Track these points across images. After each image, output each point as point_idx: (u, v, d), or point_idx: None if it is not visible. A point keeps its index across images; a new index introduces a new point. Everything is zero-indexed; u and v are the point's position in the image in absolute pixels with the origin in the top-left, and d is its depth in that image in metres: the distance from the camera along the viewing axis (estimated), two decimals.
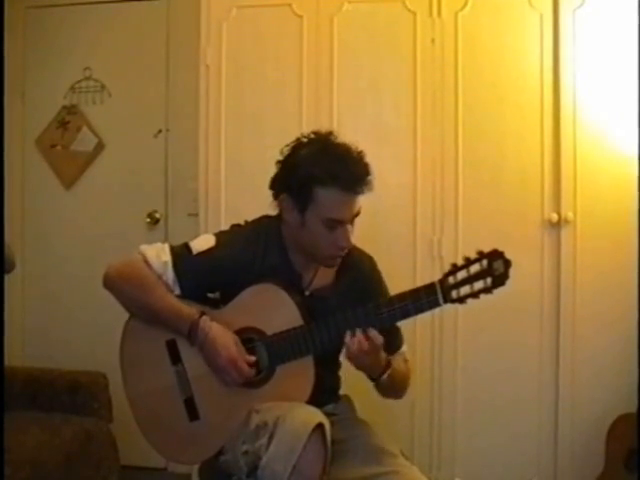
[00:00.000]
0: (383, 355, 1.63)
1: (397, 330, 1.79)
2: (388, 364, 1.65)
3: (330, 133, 1.65)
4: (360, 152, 1.61)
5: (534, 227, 2.53)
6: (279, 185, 1.65)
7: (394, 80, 2.62)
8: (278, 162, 1.65)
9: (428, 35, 2.59)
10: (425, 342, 2.57)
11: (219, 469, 1.64)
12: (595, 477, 2.38)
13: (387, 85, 2.63)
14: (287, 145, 1.65)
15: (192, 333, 1.61)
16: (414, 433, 2.60)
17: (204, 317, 1.62)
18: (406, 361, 1.81)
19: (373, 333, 1.54)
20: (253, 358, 1.62)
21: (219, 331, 1.61)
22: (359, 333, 1.54)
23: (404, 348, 1.81)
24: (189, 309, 1.63)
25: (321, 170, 1.55)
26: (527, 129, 2.54)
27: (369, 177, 1.58)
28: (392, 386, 1.71)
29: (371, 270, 1.79)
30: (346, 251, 1.65)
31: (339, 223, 1.59)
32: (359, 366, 1.59)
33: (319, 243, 1.62)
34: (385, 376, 1.64)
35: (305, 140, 1.64)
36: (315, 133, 1.66)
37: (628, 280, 2.40)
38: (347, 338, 1.55)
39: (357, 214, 1.62)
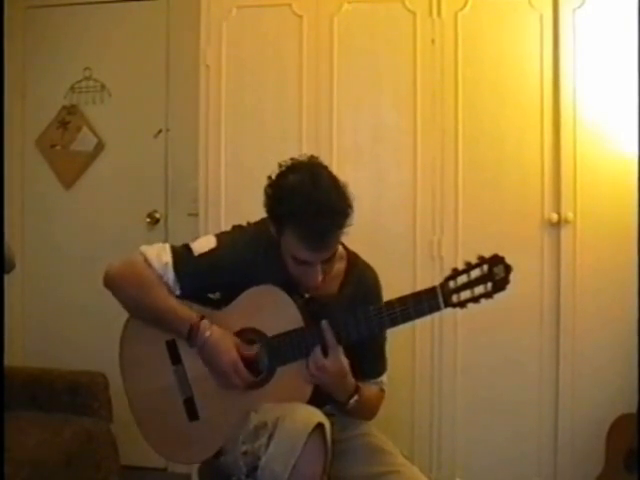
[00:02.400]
0: (350, 380, 1.63)
1: (381, 356, 1.78)
2: (356, 390, 1.65)
3: (323, 167, 1.60)
4: (344, 200, 1.54)
5: (534, 227, 2.53)
6: (264, 200, 1.62)
7: (394, 80, 2.62)
8: (268, 178, 1.60)
9: (428, 35, 2.59)
10: (425, 342, 2.57)
11: (218, 469, 1.64)
12: (595, 477, 2.38)
13: (387, 85, 2.63)
14: (281, 162, 1.61)
15: (192, 335, 1.61)
16: (414, 433, 2.60)
17: (204, 320, 1.62)
18: (382, 391, 1.79)
19: (333, 354, 1.56)
20: (254, 347, 1.61)
21: (219, 334, 1.61)
22: (317, 351, 1.56)
23: (384, 378, 1.79)
24: (189, 312, 1.63)
25: (290, 212, 1.51)
26: (527, 129, 2.54)
27: (338, 233, 1.54)
28: (357, 413, 1.70)
29: (374, 285, 1.77)
30: (315, 290, 1.64)
31: (306, 263, 1.57)
32: (323, 386, 1.59)
33: (290, 270, 1.61)
34: (352, 401, 1.64)
35: (297, 163, 1.60)
36: (312, 159, 1.61)
37: (628, 280, 2.40)
38: (316, 351, 1.56)
39: (332, 256, 1.59)
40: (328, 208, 1.50)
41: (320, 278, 1.59)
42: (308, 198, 1.50)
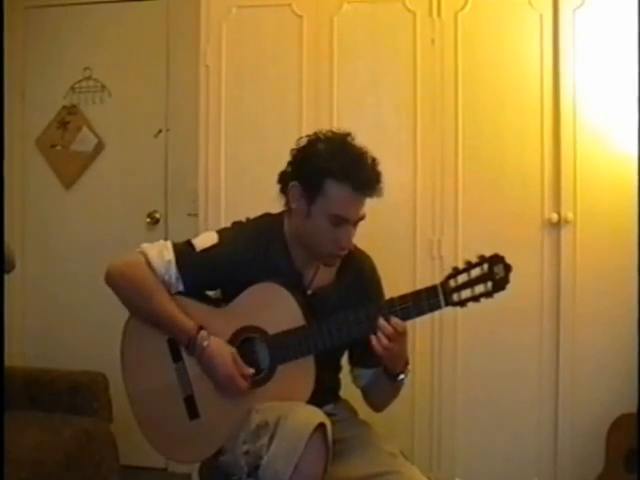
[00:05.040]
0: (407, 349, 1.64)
1: None
2: (408, 361, 1.66)
3: (348, 134, 1.66)
4: (374, 159, 1.63)
5: (534, 227, 2.53)
6: (290, 173, 1.65)
7: (394, 80, 2.62)
8: (293, 150, 1.66)
9: (428, 35, 2.58)
10: (425, 342, 2.57)
11: (219, 469, 1.64)
12: (595, 477, 2.38)
13: (387, 85, 2.63)
14: (302, 137, 1.66)
15: (190, 346, 1.63)
16: (414, 433, 2.60)
17: (201, 333, 1.62)
18: None
19: (395, 320, 1.55)
20: (252, 371, 1.62)
21: (216, 347, 1.62)
22: (395, 319, 1.54)
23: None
24: (188, 322, 1.63)
25: (337, 165, 1.56)
26: (527, 129, 2.54)
27: (380, 184, 1.59)
28: (395, 392, 1.71)
29: (372, 271, 1.79)
30: (346, 252, 1.65)
31: (344, 221, 1.59)
32: (389, 354, 1.56)
33: (321, 238, 1.62)
34: (407, 371, 1.65)
35: (323, 136, 1.65)
36: (333, 132, 1.67)
37: (628, 280, 2.39)
38: (381, 321, 1.53)
39: (362, 218, 1.63)
40: (366, 156, 1.61)
41: (352, 241, 1.63)
42: (349, 153, 1.59)
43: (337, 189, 1.56)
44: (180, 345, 1.65)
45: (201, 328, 1.63)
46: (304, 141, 1.65)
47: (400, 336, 1.54)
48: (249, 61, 2.70)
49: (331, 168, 1.56)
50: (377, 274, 1.80)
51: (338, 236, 1.60)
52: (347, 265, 1.72)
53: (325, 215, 1.59)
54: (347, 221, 1.59)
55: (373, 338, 1.54)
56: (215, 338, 1.63)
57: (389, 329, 1.53)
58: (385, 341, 1.53)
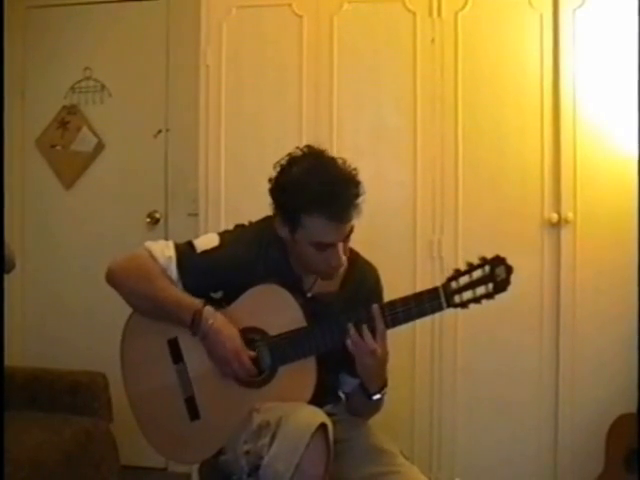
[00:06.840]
0: (386, 371, 1.64)
1: None
2: (386, 383, 1.66)
3: (322, 151, 1.62)
4: (351, 172, 1.59)
5: (534, 227, 2.53)
6: (272, 202, 1.63)
7: (394, 80, 2.62)
8: (270, 179, 1.62)
9: (428, 35, 2.59)
10: (425, 342, 2.57)
11: (219, 469, 1.64)
12: (595, 477, 2.38)
13: (387, 85, 2.63)
14: (279, 162, 1.63)
15: (195, 322, 1.61)
16: (414, 433, 2.60)
17: (208, 307, 1.62)
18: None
19: (382, 339, 1.56)
20: (253, 353, 1.62)
21: (223, 322, 1.61)
22: (368, 334, 1.55)
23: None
24: (192, 299, 1.63)
25: (308, 199, 1.53)
26: (527, 129, 2.54)
27: (357, 202, 1.56)
28: (372, 409, 1.72)
29: (375, 283, 1.78)
30: (340, 269, 1.64)
31: (328, 245, 1.57)
32: (362, 367, 1.59)
33: (310, 260, 1.62)
34: (382, 393, 1.65)
35: (297, 155, 1.62)
36: (308, 148, 1.64)
37: (628, 280, 2.39)
38: (350, 330, 1.55)
39: (349, 234, 1.60)
40: (341, 181, 1.55)
41: (344, 258, 1.60)
42: (320, 179, 1.54)
43: (313, 222, 1.54)
44: (184, 327, 1.63)
45: (206, 304, 1.62)
46: (278, 167, 1.62)
47: (374, 358, 1.55)
48: (249, 61, 2.70)
49: (303, 203, 1.53)
50: (380, 286, 1.79)
51: (327, 257, 1.59)
52: (351, 275, 1.72)
53: (308, 243, 1.58)
54: (332, 245, 1.58)
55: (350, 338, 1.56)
56: (221, 315, 1.62)
57: (373, 345, 1.55)
58: (365, 353, 1.55)
